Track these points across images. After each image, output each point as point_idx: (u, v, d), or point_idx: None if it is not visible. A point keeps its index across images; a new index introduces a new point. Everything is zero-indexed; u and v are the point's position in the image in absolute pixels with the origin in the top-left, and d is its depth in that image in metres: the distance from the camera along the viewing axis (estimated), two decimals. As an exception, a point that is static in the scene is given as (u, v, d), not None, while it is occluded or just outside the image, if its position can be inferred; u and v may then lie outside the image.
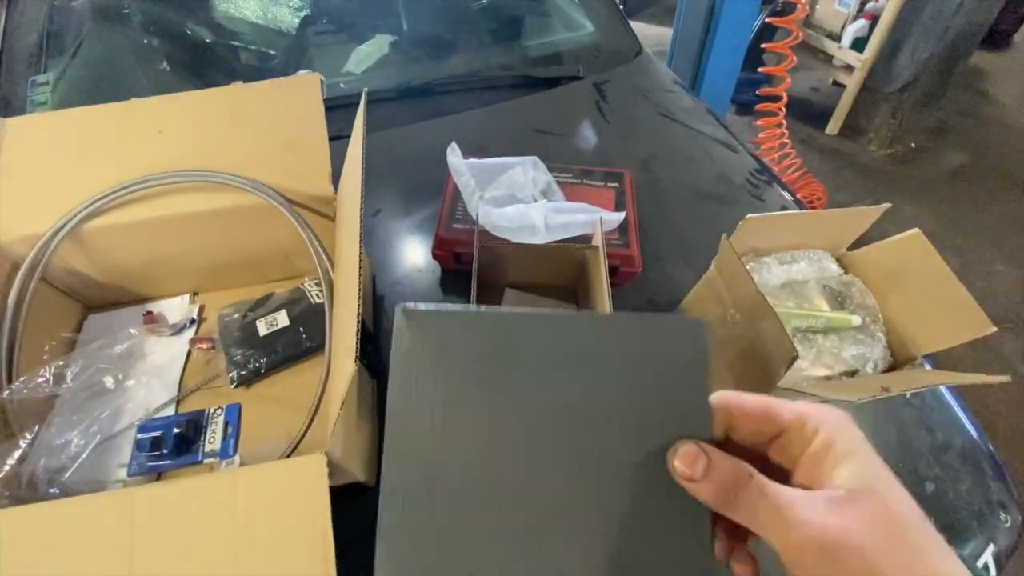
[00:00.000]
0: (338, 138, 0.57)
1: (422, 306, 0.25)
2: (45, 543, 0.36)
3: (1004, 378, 0.44)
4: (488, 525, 0.23)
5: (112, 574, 0.35)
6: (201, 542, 0.36)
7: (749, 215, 0.49)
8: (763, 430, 0.23)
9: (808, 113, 2.54)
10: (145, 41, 1.01)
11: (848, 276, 0.57)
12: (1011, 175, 2.26)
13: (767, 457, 0.23)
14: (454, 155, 0.61)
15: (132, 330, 0.56)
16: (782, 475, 0.22)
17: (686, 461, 0.22)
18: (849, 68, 2.29)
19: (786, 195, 0.85)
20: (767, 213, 0.50)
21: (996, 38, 2.95)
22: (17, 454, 0.45)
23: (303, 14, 1.07)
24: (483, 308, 0.26)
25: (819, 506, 0.19)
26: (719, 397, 0.23)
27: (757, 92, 1.80)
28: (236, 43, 1.04)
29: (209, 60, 1.02)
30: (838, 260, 0.59)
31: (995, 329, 0.49)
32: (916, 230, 0.55)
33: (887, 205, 0.55)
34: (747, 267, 0.48)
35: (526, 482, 0.23)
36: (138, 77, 0.98)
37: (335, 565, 0.36)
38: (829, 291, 0.56)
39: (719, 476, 0.21)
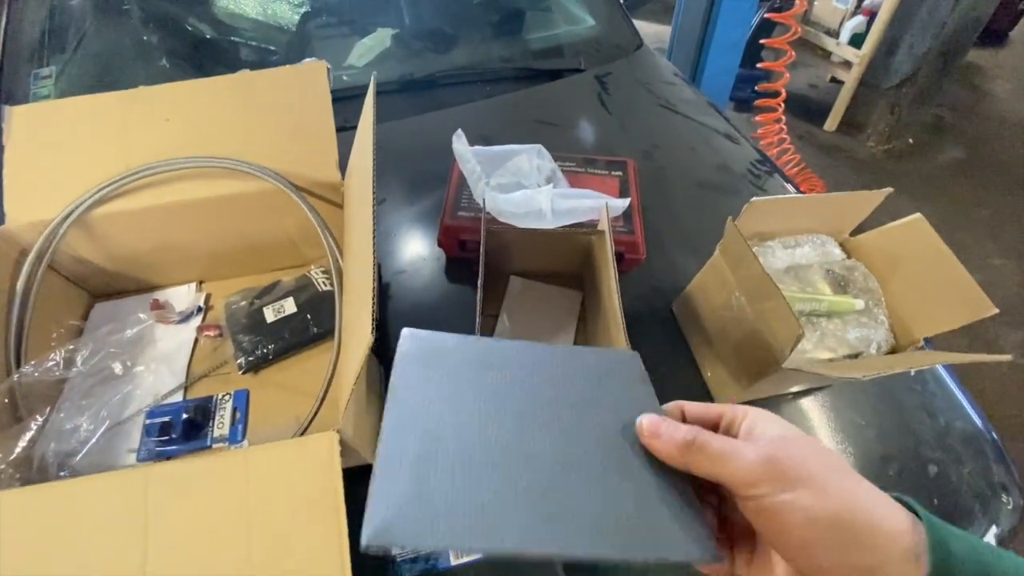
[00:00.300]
0: (342, 129, 0.58)
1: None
2: (62, 520, 0.36)
3: (1006, 357, 0.44)
4: (488, 474, 0.25)
5: (128, 550, 0.35)
6: (215, 519, 0.37)
7: (754, 198, 0.50)
8: (705, 425, 0.27)
9: (807, 109, 2.55)
10: (145, 37, 1.01)
11: (851, 260, 0.58)
12: (1008, 170, 2.27)
13: None
14: (460, 142, 0.61)
15: (142, 315, 0.57)
16: None
17: (651, 425, 0.27)
18: (847, 64, 2.30)
19: (788, 185, 0.86)
20: (772, 197, 0.50)
21: (993, 34, 2.97)
22: (27, 436, 0.46)
23: (303, 10, 1.07)
24: (471, 337, 0.32)
25: (753, 443, 0.24)
26: (672, 405, 0.29)
27: (756, 88, 1.81)
28: (237, 39, 1.04)
29: (210, 55, 1.02)
30: (841, 245, 0.60)
31: (996, 311, 0.50)
32: (918, 215, 0.55)
33: (889, 189, 0.55)
34: (753, 250, 0.48)
35: (518, 446, 0.26)
36: (139, 72, 0.98)
37: (348, 542, 0.36)
38: (832, 275, 0.56)
39: (678, 435, 0.26)
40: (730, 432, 0.26)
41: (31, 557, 0.35)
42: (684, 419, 0.28)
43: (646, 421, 0.27)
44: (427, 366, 0.29)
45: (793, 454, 0.23)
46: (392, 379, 0.28)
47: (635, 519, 0.24)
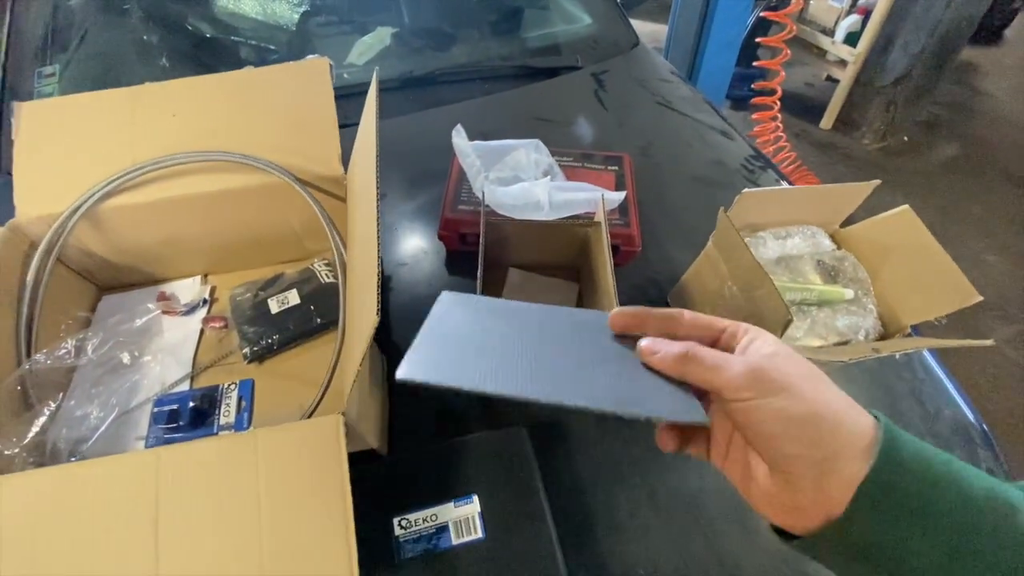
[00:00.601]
0: (343, 126, 0.59)
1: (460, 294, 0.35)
2: (78, 500, 0.37)
3: (987, 342, 0.46)
4: (514, 359, 0.29)
5: (141, 528, 0.37)
6: (225, 498, 0.38)
7: (746, 190, 0.51)
8: (705, 336, 0.29)
9: (803, 108, 2.57)
10: (145, 37, 1.02)
11: (841, 251, 0.59)
12: (1002, 168, 2.29)
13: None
14: (459, 137, 0.63)
15: (150, 305, 0.58)
16: None
17: (651, 343, 0.29)
18: (843, 63, 2.31)
19: (781, 181, 0.88)
20: (763, 188, 0.52)
21: (988, 33, 2.99)
22: (40, 422, 0.47)
23: (302, 10, 1.08)
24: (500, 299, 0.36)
25: (744, 357, 0.27)
26: (676, 310, 0.30)
27: (752, 86, 1.83)
28: (237, 38, 1.05)
29: (211, 55, 1.03)
30: (831, 236, 0.61)
31: (981, 298, 0.52)
32: (906, 206, 0.57)
33: (877, 182, 0.57)
34: (745, 241, 0.50)
35: (539, 352, 0.30)
36: (140, 71, 0.99)
37: (353, 519, 0.37)
38: (822, 266, 0.58)
39: (673, 349, 0.28)
40: (730, 346, 0.28)
41: (48, 535, 0.36)
42: (684, 324, 0.30)
43: (645, 342, 0.29)
44: (463, 305, 0.34)
45: (779, 366, 0.25)
46: (433, 309, 0.33)
47: (636, 391, 0.28)
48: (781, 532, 0.27)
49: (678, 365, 0.28)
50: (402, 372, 0.27)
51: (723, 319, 0.29)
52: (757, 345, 0.27)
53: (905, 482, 0.22)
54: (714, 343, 0.29)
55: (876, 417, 0.25)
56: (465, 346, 0.30)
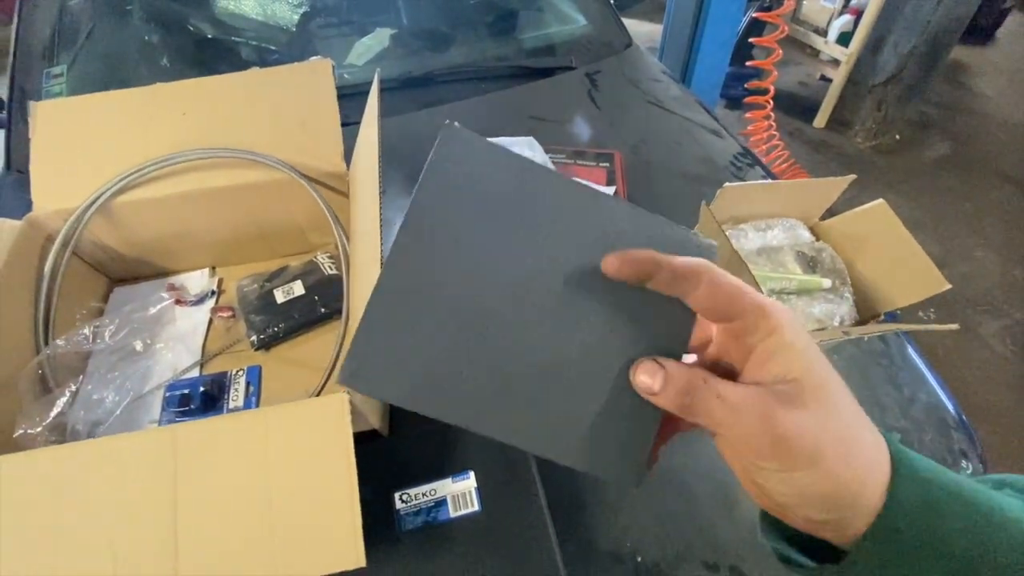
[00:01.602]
0: (344, 124, 0.62)
1: (466, 132, 0.25)
2: (100, 474, 0.40)
3: (952, 327, 0.49)
4: (471, 347, 0.24)
5: (159, 499, 0.39)
6: (238, 472, 0.41)
7: (727, 183, 0.54)
8: (723, 308, 0.23)
9: (796, 107, 2.60)
10: (147, 37, 1.05)
11: (819, 243, 0.63)
12: (992, 165, 2.33)
13: (717, 361, 0.26)
14: (456, 135, 0.65)
15: (163, 294, 0.61)
16: (732, 376, 0.24)
17: (647, 375, 0.24)
18: (835, 62, 2.35)
19: (768, 179, 0.90)
20: (744, 182, 0.55)
21: (979, 33, 3.03)
22: (61, 403, 0.50)
23: (302, 11, 1.11)
24: (520, 159, 0.25)
25: (769, 401, 0.21)
26: (701, 264, 0.23)
27: (746, 86, 1.86)
28: (239, 39, 1.08)
29: (212, 55, 1.06)
30: (810, 229, 0.64)
31: (949, 286, 0.55)
32: (881, 200, 0.60)
33: (852, 176, 0.60)
34: (726, 233, 0.53)
35: (515, 333, 0.24)
36: (142, 72, 1.02)
37: (358, 492, 0.40)
38: (802, 256, 0.61)
39: (677, 384, 0.23)
40: (744, 342, 0.23)
41: (74, 506, 0.39)
42: (700, 283, 0.23)
43: (641, 377, 0.24)
44: (457, 189, 0.25)
45: (806, 428, 0.21)
46: (417, 192, 0.24)
47: (587, 436, 0.25)
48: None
49: (681, 406, 0.23)
50: (340, 379, 0.23)
51: (747, 294, 0.22)
52: (780, 366, 0.22)
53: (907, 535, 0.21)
54: (728, 323, 0.24)
55: (892, 456, 0.22)
56: (423, 312, 0.23)
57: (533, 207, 0.25)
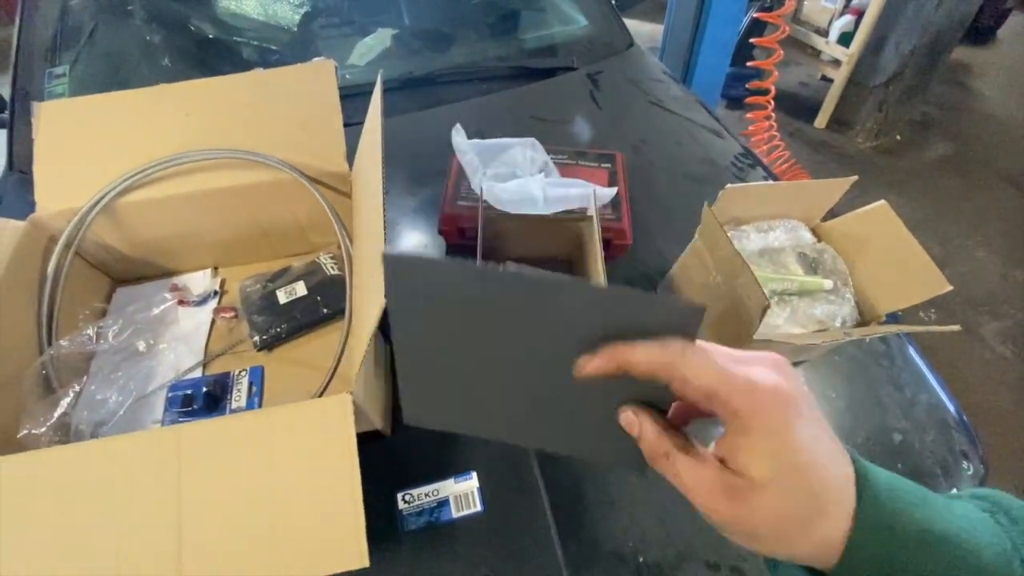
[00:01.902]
0: (346, 125, 0.62)
1: (407, 255, 0.27)
2: (105, 473, 0.40)
3: (954, 328, 0.49)
4: (488, 388, 0.29)
5: (163, 499, 0.40)
6: (242, 472, 0.41)
7: (729, 185, 0.54)
8: (700, 402, 0.23)
9: (797, 107, 2.60)
10: (149, 37, 1.05)
11: (821, 244, 0.63)
12: (992, 166, 2.33)
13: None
14: (459, 136, 0.66)
15: (166, 295, 0.61)
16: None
17: (626, 423, 0.26)
18: (836, 63, 2.35)
19: (769, 179, 0.91)
20: (745, 184, 0.55)
21: (981, 33, 3.03)
22: (64, 403, 0.50)
23: (303, 11, 1.11)
24: (469, 262, 0.25)
25: (717, 494, 0.23)
26: (672, 363, 0.23)
27: (747, 86, 1.86)
28: (240, 39, 1.08)
29: (215, 55, 1.06)
30: (812, 230, 0.64)
31: (951, 287, 0.55)
32: (883, 202, 0.60)
33: (854, 178, 0.60)
34: (728, 234, 0.53)
35: (514, 379, 0.28)
36: (144, 72, 1.02)
37: (361, 492, 0.40)
38: (803, 258, 0.61)
39: (646, 443, 0.25)
40: (733, 422, 0.23)
41: (78, 506, 0.39)
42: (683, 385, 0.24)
43: (623, 421, 0.26)
44: (426, 304, 0.26)
45: (750, 522, 0.23)
46: (391, 318, 0.27)
47: (592, 435, 0.29)
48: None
49: (648, 460, 0.26)
50: (409, 419, 0.31)
51: (720, 392, 0.22)
52: (742, 459, 0.23)
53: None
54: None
55: (857, 500, 0.22)
56: (446, 367, 0.29)
57: (503, 306, 0.25)
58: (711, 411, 0.24)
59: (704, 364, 0.23)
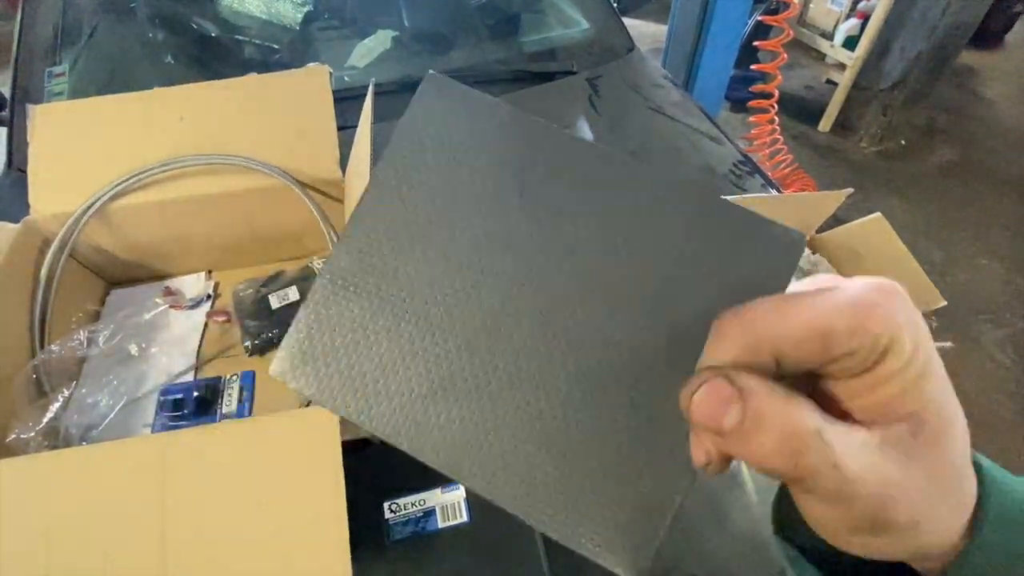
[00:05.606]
0: (343, 128, 0.62)
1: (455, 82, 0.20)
2: (90, 480, 0.40)
3: (947, 344, 0.49)
4: (440, 356, 0.19)
5: (147, 507, 0.40)
6: (226, 482, 0.41)
7: (723, 198, 0.54)
8: (813, 359, 0.15)
9: (801, 110, 2.59)
10: (151, 35, 1.05)
11: (815, 256, 0.62)
12: (997, 172, 2.31)
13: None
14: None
15: (158, 300, 0.61)
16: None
17: (712, 400, 0.15)
18: (841, 66, 2.33)
19: (767, 185, 0.90)
20: (740, 195, 0.54)
21: (987, 38, 3.00)
22: (54, 408, 0.50)
23: (305, 10, 1.11)
24: (518, 116, 0.20)
25: (884, 461, 0.15)
26: (734, 322, 0.16)
27: (750, 89, 1.85)
28: (241, 38, 1.08)
29: (215, 54, 1.06)
30: (807, 242, 0.64)
31: (945, 303, 0.54)
32: (878, 214, 0.59)
33: (849, 190, 0.59)
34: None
35: (506, 338, 0.19)
36: (145, 71, 1.02)
37: (345, 506, 0.40)
38: (798, 270, 0.60)
39: (773, 429, 0.15)
40: (857, 364, 0.15)
41: (61, 513, 0.39)
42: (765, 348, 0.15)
43: (701, 401, 0.15)
44: (438, 153, 0.19)
45: (914, 494, 0.15)
46: (388, 152, 0.20)
47: (578, 490, 0.18)
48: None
49: (770, 462, 0.15)
50: (272, 370, 0.19)
51: (842, 313, 0.15)
52: (893, 394, 0.15)
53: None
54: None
55: (981, 490, 0.17)
56: (385, 308, 0.19)
57: (539, 185, 0.19)
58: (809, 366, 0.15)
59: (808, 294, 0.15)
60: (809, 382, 0.16)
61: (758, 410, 0.15)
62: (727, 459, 0.16)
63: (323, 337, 0.19)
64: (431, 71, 0.20)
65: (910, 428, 0.15)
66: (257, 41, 1.08)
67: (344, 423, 0.45)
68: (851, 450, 0.15)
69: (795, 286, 0.18)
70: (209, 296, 0.67)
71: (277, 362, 0.19)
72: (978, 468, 0.17)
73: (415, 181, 0.19)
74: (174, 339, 0.62)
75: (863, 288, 0.16)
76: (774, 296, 0.16)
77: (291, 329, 0.19)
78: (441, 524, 0.49)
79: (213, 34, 1.07)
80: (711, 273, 0.18)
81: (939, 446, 0.16)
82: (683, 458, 0.17)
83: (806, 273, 0.61)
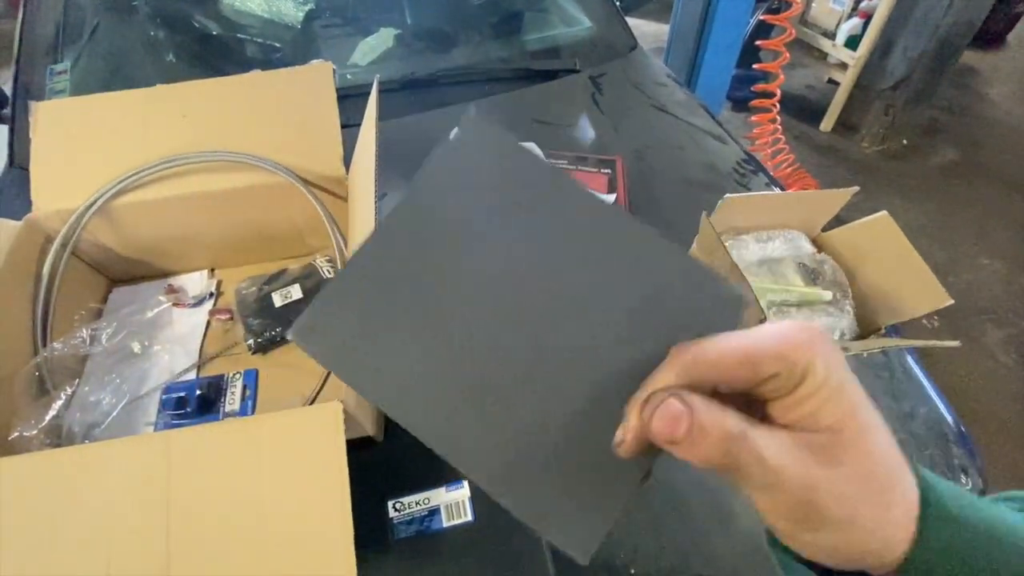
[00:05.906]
0: (346, 126, 0.62)
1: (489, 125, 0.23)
2: (94, 478, 0.40)
3: (953, 343, 0.48)
4: (445, 342, 0.22)
5: (152, 505, 0.39)
6: (230, 480, 0.41)
7: (728, 195, 0.54)
8: (746, 379, 0.19)
9: (803, 110, 2.58)
10: (153, 33, 1.05)
11: (821, 255, 0.62)
12: (1000, 172, 2.31)
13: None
14: (457, 140, 0.65)
15: (161, 297, 0.61)
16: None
17: (666, 417, 0.18)
18: (843, 66, 2.33)
19: (771, 184, 0.90)
20: (746, 193, 0.54)
21: (989, 37, 2.99)
22: (57, 406, 0.50)
23: (307, 8, 1.10)
24: (552, 166, 0.24)
25: (808, 461, 0.18)
26: (682, 353, 0.20)
27: (752, 89, 1.84)
28: (244, 36, 1.08)
29: (216, 53, 1.05)
30: (812, 240, 0.64)
31: (952, 301, 0.54)
32: (884, 212, 0.59)
33: (855, 188, 0.59)
34: (726, 244, 0.52)
35: (499, 331, 0.22)
36: (147, 69, 1.02)
37: (350, 500, 0.40)
38: (803, 268, 0.60)
39: (710, 437, 0.18)
40: (780, 387, 0.19)
41: (66, 511, 0.39)
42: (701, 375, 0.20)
43: (657, 420, 0.19)
44: (464, 181, 0.24)
45: (843, 494, 0.18)
46: (421, 176, 0.24)
47: (554, 478, 0.21)
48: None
49: (709, 462, 0.19)
50: (291, 333, 0.21)
51: (765, 345, 0.19)
52: (812, 409, 0.19)
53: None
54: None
55: (921, 494, 0.19)
56: (401, 298, 0.22)
57: (542, 216, 0.22)
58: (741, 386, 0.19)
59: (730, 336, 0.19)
60: (754, 409, 0.20)
61: (701, 422, 0.18)
62: (639, 442, 0.20)
63: (343, 312, 0.22)
64: (466, 115, 0.24)
65: (829, 436, 0.19)
66: (259, 39, 1.07)
67: (347, 423, 0.45)
68: (772, 444, 0.19)
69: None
70: (212, 294, 0.67)
71: (296, 325, 0.21)
72: (918, 475, 0.20)
73: (440, 204, 0.24)
74: (177, 337, 0.62)
75: (786, 326, 0.19)
76: (717, 334, 0.20)
77: (315, 299, 0.22)
78: (445, 523, 0.48)
79: (215, 33, 1.07)
80: (670, 316, 0.22)
81: (858, 450, 0.19)
82: (633, 465, 0.21)
83: (812, 271, 0.60)
